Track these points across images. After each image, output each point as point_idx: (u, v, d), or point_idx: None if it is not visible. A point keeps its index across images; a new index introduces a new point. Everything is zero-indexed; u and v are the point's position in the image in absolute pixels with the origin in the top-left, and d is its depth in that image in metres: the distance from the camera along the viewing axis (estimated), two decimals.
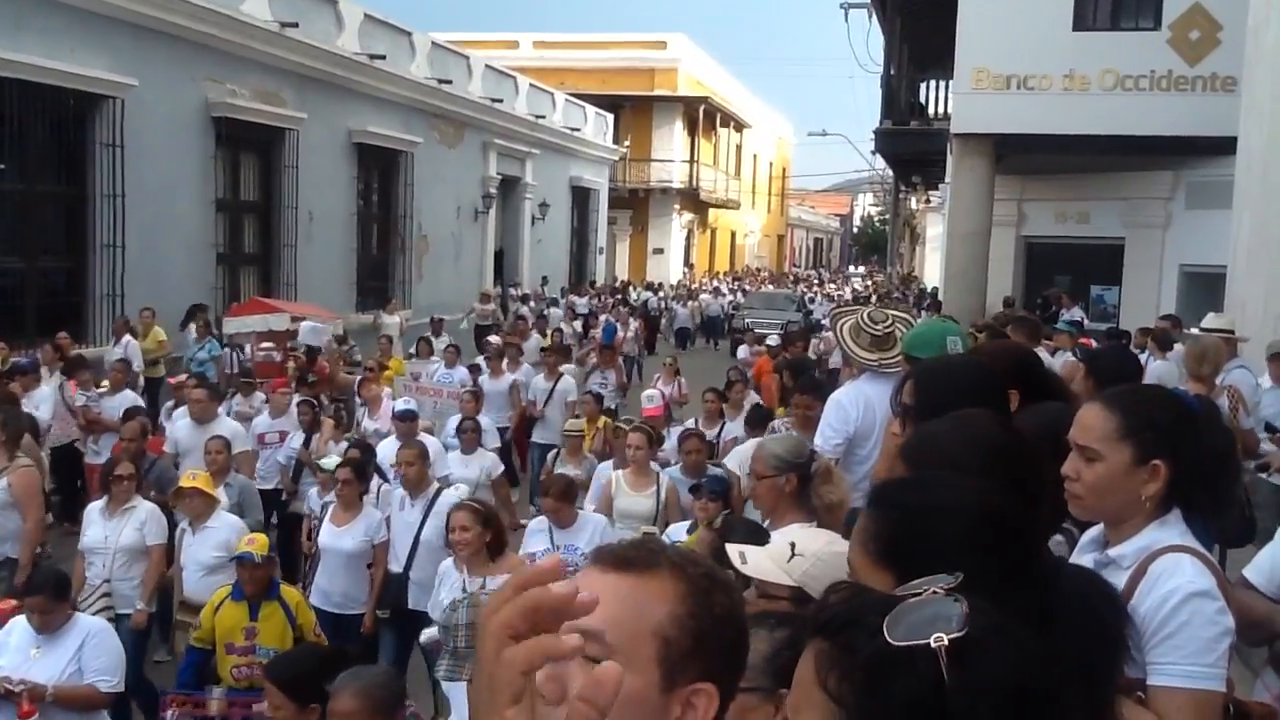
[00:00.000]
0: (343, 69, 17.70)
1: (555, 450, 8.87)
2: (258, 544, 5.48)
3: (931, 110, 20.98)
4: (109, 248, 13.19)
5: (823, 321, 22.85)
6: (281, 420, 9.02)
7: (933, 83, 21.38)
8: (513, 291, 24.90)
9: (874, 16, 24.32)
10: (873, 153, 30.88)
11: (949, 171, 17.78)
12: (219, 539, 6.08)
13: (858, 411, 4.84)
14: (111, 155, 13.10)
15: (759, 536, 3.10)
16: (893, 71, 20.33)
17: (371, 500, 6.88)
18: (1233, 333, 7.32)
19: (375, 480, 7.15)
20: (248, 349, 12.99)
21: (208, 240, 15.13)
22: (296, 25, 16.13)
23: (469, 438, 8.33)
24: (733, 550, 2.48)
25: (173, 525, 6.37)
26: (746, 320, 25.12)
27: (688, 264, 42.20)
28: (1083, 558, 2.28)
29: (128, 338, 12.09)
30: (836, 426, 4.95)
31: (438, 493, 6.47)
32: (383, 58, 18.67)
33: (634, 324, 20.68)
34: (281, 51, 16.05)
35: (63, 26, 12.37)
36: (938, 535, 1.53)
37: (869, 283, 48.49)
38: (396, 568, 6.31)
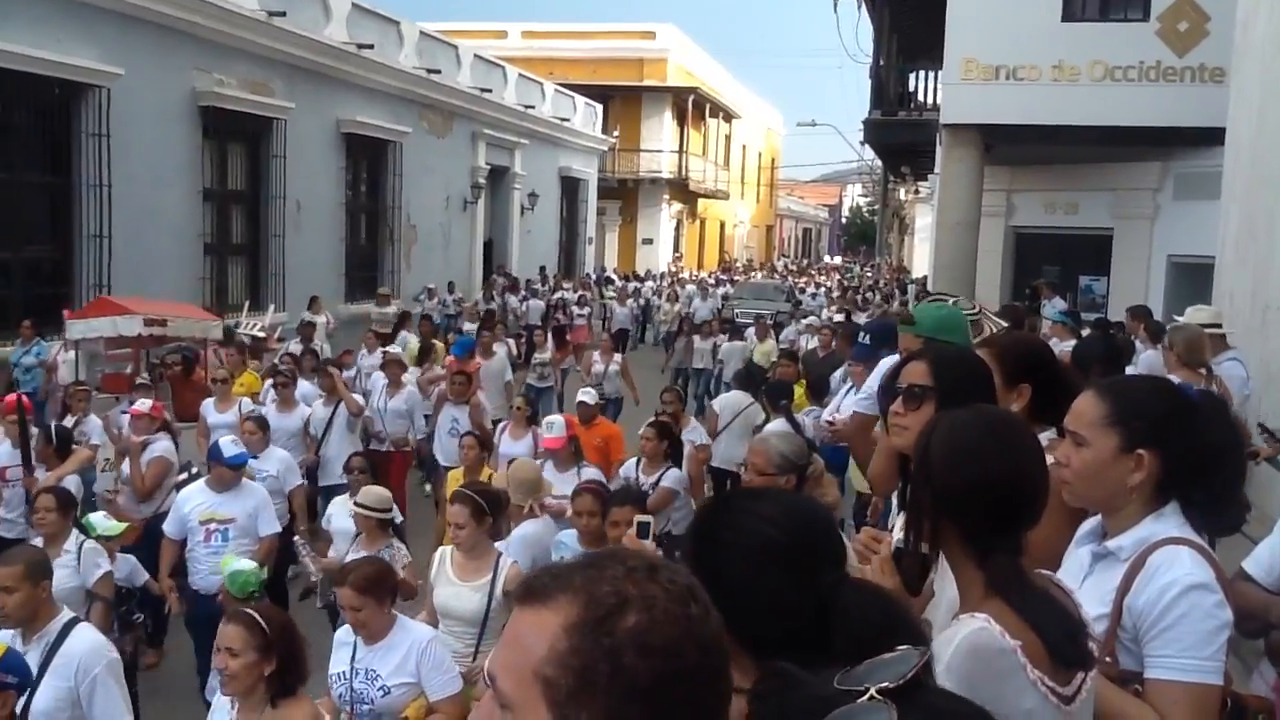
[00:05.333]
0: (331, 58, 17.61)
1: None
2: None
3: (921, 100, 20.94)
4: (95, 238, 13.11)
5: (812, 312, 22.87)
6: None
7: (922, 73, 21.31)
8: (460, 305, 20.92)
9: (863, 7, 24.26)
10: (862, 143, 30.89)
11: (938, 162, 17.77)
12: None
13: None
14: (98, 145, 13.01)
15: None
16: (882, 62, 20.29)
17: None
18: (1219, 326, 7.22)
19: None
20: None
21: (195, 230, 15.05)
22: (284, 14, 16.03)
23: (358, 479, 6.52)
24: None
25: None
26: (736, 311, 25.09)
27: (676, 254, 42.18)
28: (1080, 549, 2.29)
29: None
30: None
31: (71, 625, 4.06)
32: (371, 47, 18.59)
33: (617, 356, 13.93)
34: (269, 41, 15.95)
35: (48, 15, 12.27)
36: (727, 569, 1.50)
37: (852, 273, 48.36)
38: None
